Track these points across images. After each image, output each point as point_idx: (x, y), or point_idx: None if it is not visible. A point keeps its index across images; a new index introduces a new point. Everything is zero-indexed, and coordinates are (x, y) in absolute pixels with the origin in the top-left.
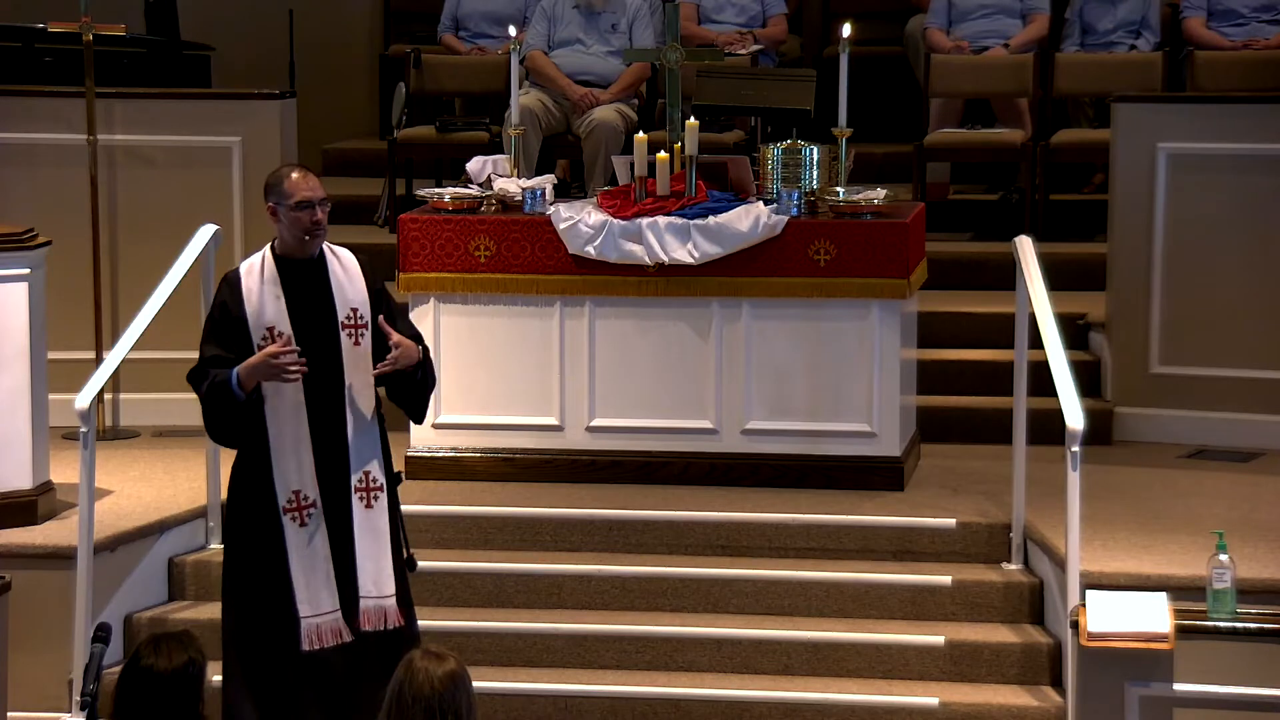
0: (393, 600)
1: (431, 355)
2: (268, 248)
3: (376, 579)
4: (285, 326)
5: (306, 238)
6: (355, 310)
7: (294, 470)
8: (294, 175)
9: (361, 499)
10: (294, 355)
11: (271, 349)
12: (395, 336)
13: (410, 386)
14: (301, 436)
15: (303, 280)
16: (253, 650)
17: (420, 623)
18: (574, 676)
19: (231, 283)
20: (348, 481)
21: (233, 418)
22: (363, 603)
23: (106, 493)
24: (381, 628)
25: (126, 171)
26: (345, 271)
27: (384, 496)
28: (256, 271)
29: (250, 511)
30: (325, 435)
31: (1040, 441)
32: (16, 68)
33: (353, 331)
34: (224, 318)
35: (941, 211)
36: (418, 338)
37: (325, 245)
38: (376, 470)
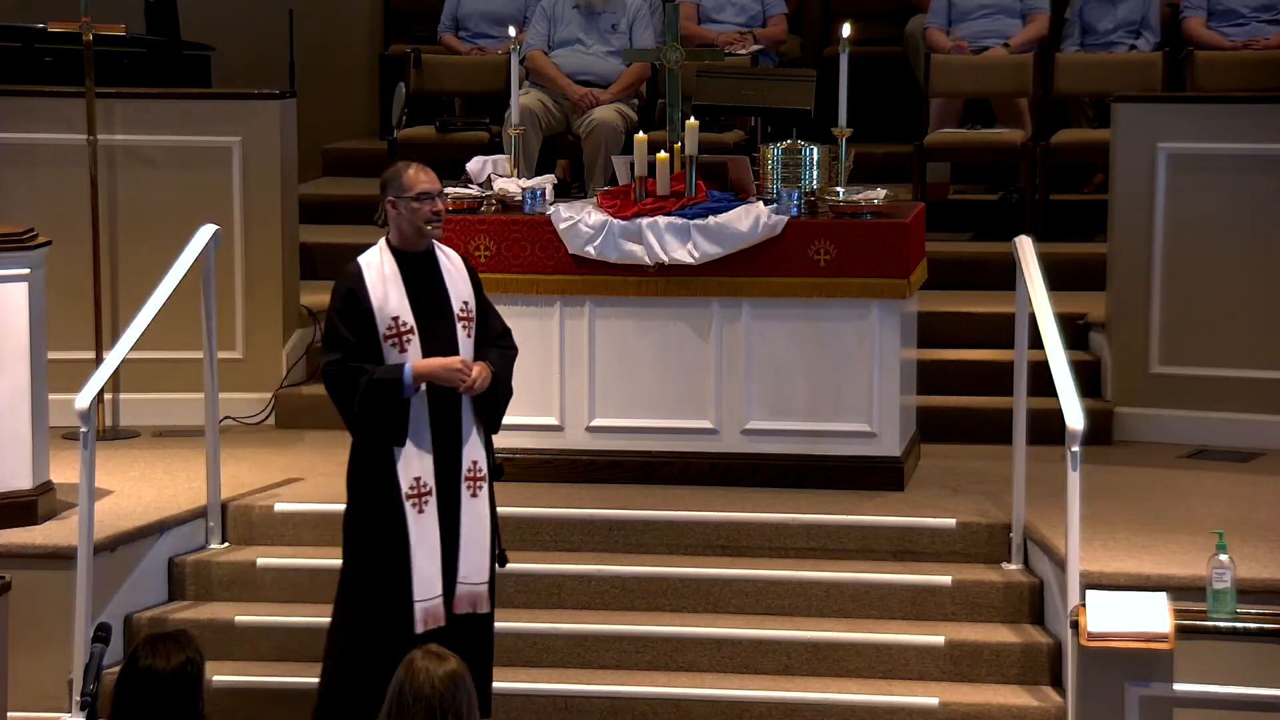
0: (485, 587)
1: (514, 354)
2: (383, 241)
3: (475, 565)
4: (409, 317)
5: (428, 227)
6: (466, 303)
7: (415, 458)
8: (411, 169)
9: (469, 488)
10: (472, 373)
11: (455, 362)
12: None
13: (487, 399)
14: (423, 425)
15: (418, 273)
16: (371, 635)
17: None
18: (574, 676)
19: (354, 275)
20: (459, 470)
21: (394, 414)
22: (459, 588)
23: (106, 493)
24: (472, 612)
25: (126, 171)
26: (454, 266)
27: (487, 487)
28: (376, 264)
29: (375, 499)
30: (441, 424)
31: (1040, 441)
32: (16, 68)
33: (466, 324)
34: (352, 308)
35: (941, 211)
36: (506, 332)
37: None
38: (483, 460)
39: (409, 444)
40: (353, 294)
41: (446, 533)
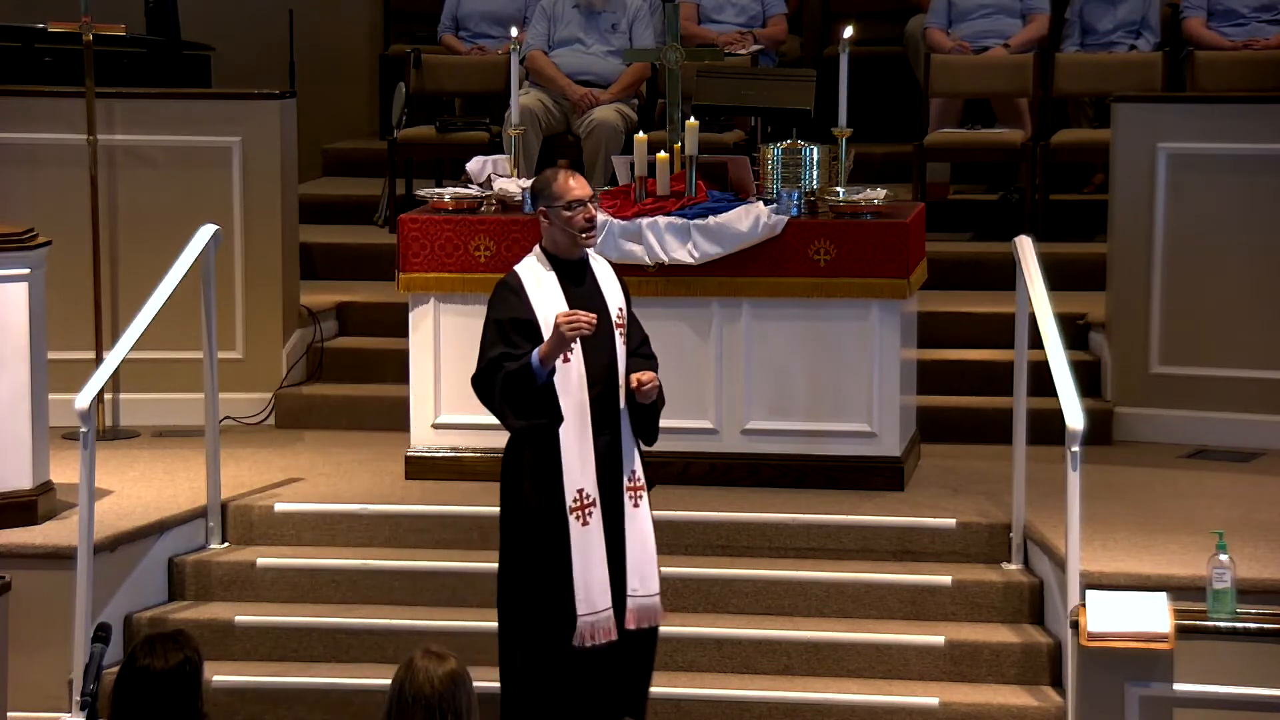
0: (657, 598)
1: (655, 362)
2: (539, 249)
3: (644, 576)
4: None
5: (582, 235)
6: (620, 310)
7: (578, 469)
8: (560, 176)
9: (631, 498)
10: (582, 316)
11: (557, 321)
12: (642, 378)
13: (648, 410)
14: (585, 435)
15: (576, 281)
16: (536, 648)
17: (420, 623)
18: None
19: (515, 288)
20: (620, 480)
21: (538, 400)
22: (630, 601)
23: (106, 493)
24: (647, 625)
25: (126, 171)
26: (607, 273)
27: (647, 496)
28: (535, 275)
29: (535, 512)
30: (601, 433)
31: (1040, 441)
32: (16, 68)
33: (621, 330)
34: (513, 323)
35: (941, 211)
36: (646, 339)
37: None
38: (640, 469)
39: (573, 456)
40: (516, 308)
41: (612, 545)
